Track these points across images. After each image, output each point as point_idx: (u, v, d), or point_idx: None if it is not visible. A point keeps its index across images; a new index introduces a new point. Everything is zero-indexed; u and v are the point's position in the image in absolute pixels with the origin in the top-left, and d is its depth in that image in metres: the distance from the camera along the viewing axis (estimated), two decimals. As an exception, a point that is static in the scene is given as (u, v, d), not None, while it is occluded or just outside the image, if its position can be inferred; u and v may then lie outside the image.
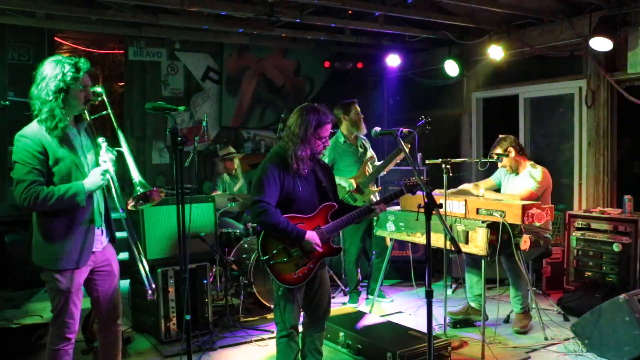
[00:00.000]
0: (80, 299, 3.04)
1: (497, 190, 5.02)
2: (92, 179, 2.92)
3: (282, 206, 3.22)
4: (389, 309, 5.41)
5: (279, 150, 3.33)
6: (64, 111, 2.87)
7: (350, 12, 6.54)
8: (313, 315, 3.46)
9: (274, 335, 4.58)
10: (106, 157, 2.99)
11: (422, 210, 2.90)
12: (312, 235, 3.23)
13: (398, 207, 4.94)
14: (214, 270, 5.33)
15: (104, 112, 3.06)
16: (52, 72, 2.86)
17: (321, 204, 3.35)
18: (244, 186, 6.86)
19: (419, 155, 6.38)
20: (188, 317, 2.88)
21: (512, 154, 4.82)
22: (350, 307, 5.23)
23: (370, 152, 5.51)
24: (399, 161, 5.37)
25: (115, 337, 3.27)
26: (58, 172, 2.89)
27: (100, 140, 3.03)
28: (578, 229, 5.61)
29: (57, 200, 2.82)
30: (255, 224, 3.34)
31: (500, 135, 4.97)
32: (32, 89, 2.91)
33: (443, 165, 4.48)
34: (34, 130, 2.87)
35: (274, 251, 3.21)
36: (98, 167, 2.96)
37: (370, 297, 5.49)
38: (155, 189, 2.97)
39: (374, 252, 5.60)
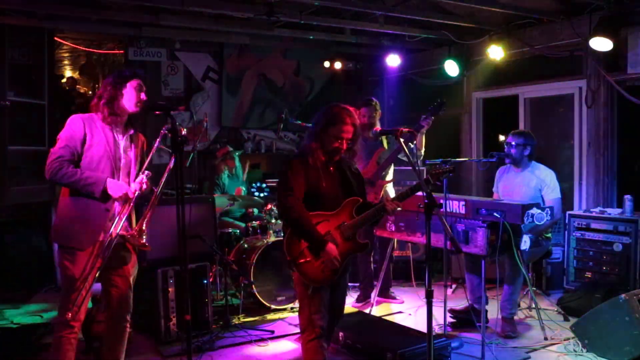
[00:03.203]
0: (88, 292, 3.16)
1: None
2: (115, 188, 3.13)
3: (306, 201, 3.18)
4: (391, 309, 5.41)
5: (303, 146, 3.39)
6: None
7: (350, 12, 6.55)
8: (330, 316, 3.30)
9: (274, 335, 4.61)
10: (138, 186, 3.21)
11: (422, 210, 2.91)
12: (332, 249, 3.13)
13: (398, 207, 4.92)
14: (214, 270, 5.33)
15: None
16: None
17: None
18: (242, 184, 6.86)
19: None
20: (188, 317, 2.89)
21: (526, 152, 4.82)
22: (350, 307, 5.24)
23: (386, 146, 5.36)
24: (404, 159, 5.33)
25: (122, 331, 3.37)
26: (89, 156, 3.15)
27: (147, 172, 3.26)
28: (578, 229, 5.61)
29: (75, 181, 3.07)
30: (281, 219, 3.32)
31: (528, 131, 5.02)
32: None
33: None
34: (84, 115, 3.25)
35: (300, 251, 3.16)
36: (127, 186, 3.19)
37: (378, 297, 5.46)
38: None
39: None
